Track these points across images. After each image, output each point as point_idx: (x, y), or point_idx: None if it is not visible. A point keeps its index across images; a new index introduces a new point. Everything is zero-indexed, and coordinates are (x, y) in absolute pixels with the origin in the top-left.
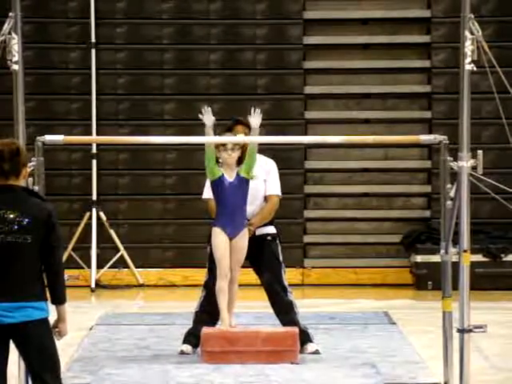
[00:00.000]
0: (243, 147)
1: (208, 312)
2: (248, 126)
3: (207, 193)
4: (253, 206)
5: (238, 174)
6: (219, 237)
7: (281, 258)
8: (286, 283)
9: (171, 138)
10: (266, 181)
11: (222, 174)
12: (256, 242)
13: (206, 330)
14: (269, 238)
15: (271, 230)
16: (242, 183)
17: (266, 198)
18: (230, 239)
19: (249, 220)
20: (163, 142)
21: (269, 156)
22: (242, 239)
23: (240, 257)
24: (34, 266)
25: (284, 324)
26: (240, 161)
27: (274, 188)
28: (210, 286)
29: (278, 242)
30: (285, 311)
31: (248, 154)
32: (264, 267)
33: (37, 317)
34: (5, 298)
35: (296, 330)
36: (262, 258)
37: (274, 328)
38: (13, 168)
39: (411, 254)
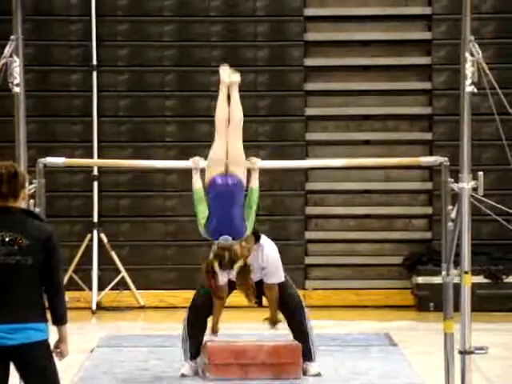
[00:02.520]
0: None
1: (197, 325)
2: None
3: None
4: None
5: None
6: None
7: (287, 278)
8: (299, 299)
9: (173, 163)
10: (263, 270)
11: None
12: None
13: (211, 343)
14: None
15: None
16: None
17: (266, 284)
18: None
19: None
20: (165, 167)
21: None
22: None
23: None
24: (35, 287)
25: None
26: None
27: (276, 277)
28: (195, 306)
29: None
30: (297, 327)
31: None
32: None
33: (37, 338)
34: (5, 319)
35: (299, 344)
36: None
37: (278, 342)
38: (11, 190)
39: (413, 276)
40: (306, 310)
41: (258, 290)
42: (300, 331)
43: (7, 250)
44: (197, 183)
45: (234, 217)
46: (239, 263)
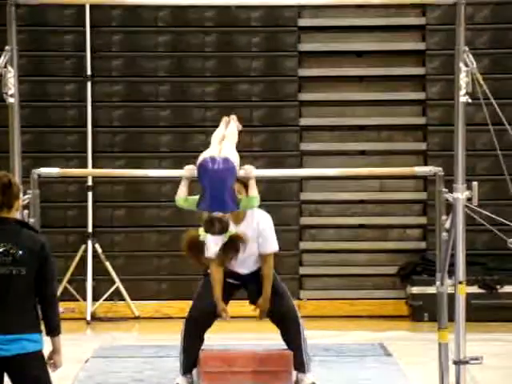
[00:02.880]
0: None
1: (193, 338)
2: (243, 183)
3: (211, 251)
4: (245, 267)
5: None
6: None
7: (284, 287)
8: (295, 310)
9: (167, 172)
10: (258, 238)
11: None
12: (255, 279)
13: (204, 351)
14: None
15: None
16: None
17: (261, 256)
18: None
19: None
20: (159, 176)
21: (263, 206)
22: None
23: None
24: (29, 297)
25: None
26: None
27: (270, 245)
28: (192, 319)
29: (275, 273)
30: (292, 339)
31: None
32: (273, 301)
33: (31, 349)
34: (0, 330)
35: (290, 352)
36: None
37: (270, 349)
38: (5, 201)
39: (407, 286)
40: (301, 320)
41: (253, 293)
42: (294, 342)
43: (1, 260)
44: (181, 191)
45: (226, 199)
46: (231, 232)
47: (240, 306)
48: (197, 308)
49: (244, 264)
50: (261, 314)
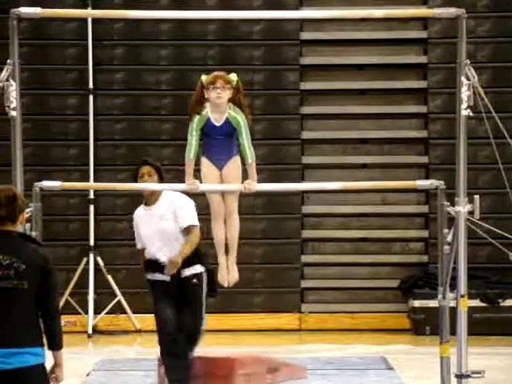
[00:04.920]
0: (235, 87)
1: (175, 355)
2: (154, 166)
3: (139, 242)
4: (167, 247)
5: (227, 119)
6: (208, 167)
7: (203, 303)
8: (200, 328)
9: (169, 185)
10: (176, 216)
11: (208, 118)
12: (181, 285)
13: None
14: (194, 280)
15: (197, 269)
16: (229, 127)
17: (185, 230)
18: (220, 170)
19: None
20: (161, 189)
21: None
22: (232, 167)
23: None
24: (31, 311)
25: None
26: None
27: (189, 219)
28: (163, 339)
29: (203, 283)
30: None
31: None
32: (186, 312)
33: (33, 363)
34: (2, 343)
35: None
36: (185, 302)
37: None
38: (9, 214)
39: (409, 299)
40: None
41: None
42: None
43: (4, 274)
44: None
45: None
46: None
47: (236, 320)
48: (161, 325)
49: (166, 244)
50: (167, 268)
